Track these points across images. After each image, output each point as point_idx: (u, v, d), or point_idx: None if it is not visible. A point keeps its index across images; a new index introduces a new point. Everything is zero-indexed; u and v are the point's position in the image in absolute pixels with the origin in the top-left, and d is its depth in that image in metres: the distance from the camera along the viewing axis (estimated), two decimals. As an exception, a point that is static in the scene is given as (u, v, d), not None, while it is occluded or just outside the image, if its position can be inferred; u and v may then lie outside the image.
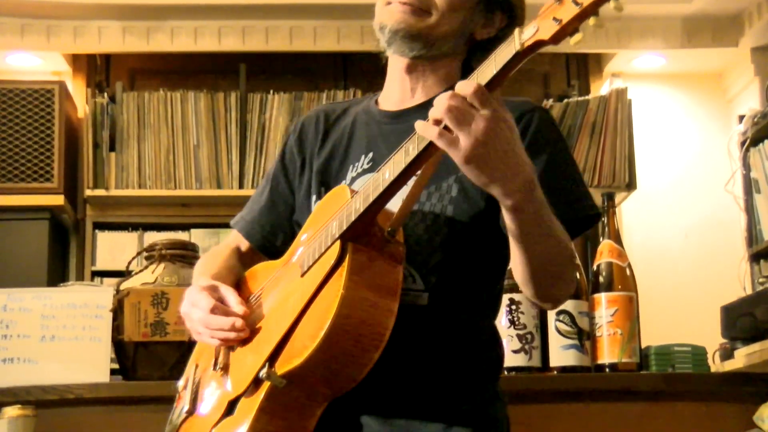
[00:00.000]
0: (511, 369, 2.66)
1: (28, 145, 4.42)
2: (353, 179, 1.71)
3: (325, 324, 1.40)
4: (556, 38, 1.25)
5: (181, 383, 1.84)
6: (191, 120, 4.74)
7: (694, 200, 4.92)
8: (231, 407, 1.58)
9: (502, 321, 2.68)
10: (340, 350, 1.42)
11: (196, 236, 4.71)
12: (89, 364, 2.52)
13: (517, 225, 1.41)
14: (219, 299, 1.65)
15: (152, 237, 4.63)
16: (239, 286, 1.78)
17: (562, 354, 2.65)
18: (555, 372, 2.65)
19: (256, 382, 1.51)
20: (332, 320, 1.40)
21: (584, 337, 2.65)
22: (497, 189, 1.36)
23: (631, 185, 4.34)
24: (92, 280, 4.62)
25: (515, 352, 2.66)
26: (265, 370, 1.47)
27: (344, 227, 1.48)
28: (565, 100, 4.37)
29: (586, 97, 4.41)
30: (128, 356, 2.55)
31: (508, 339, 2.66)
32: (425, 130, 1.34)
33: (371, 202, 1.45)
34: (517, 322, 2.66)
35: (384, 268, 1.47)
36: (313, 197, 1.75)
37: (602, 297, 2.66)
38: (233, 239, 1.92)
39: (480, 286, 1.64)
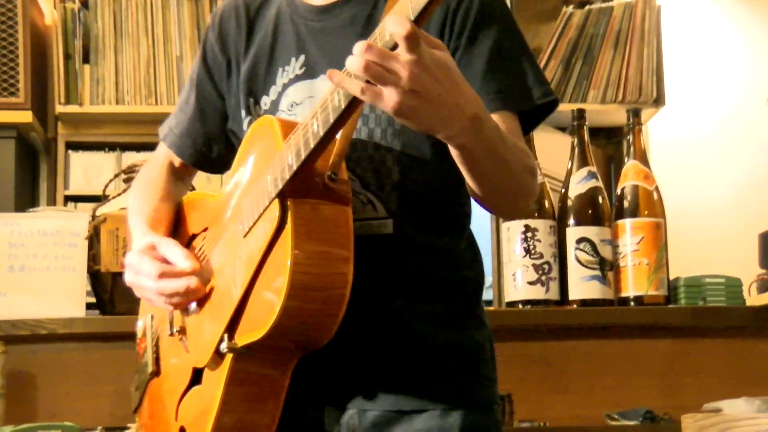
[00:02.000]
0: (526, 302, 2.66)
1: (-11, 55, 4.37)
2: (285, 86, 1.65)
3: (281, 293, 1.41)
4: None
5: (139, 330, 1.85)
6: (173, 29, 4.69)
7: (730, 117, 4.87)
8: (197, 375, 1.60)
9: (516, 249, 2.67)
10: (304, 314, 1.43)
11: (179, 157, 4.69)
12: (63, 296, 2.53)
13: (466, 160, 1.41)
14: (162, 259, 1.63)
15: (131, 158, 4.62)
16: (178, 219, 1.79)
17: (582, 286, 2.64)
18: (575, 305, 2.65)
19: (219, 354, 1.53)
20: (287, 288, 1.41)
21: (607, 268, 2.65)
22: (439, 134, 1.34)
23: (659, 101, 4.30)
24: (65, 204, 4.61)
25: (531, 283, 2.65)
26: (225, 343, 1.50)
27: (280, 186, 1.45)
28: (587, 7, 4.31)
29: (610, 3, 4.35)
30: (105, 288, 2.56)
31: (523, 269, 2.66)
32: (348, 84, 1.27)
33: (303, 159, 1.42)
34: (533, 251, 2.65)
35: (331, 216, 1.46)
36: (242, 112, 1.71)
37: (627, 223, 2.65)
38: (165, 154, 1.89)
39: (445, 202, 1.62)
